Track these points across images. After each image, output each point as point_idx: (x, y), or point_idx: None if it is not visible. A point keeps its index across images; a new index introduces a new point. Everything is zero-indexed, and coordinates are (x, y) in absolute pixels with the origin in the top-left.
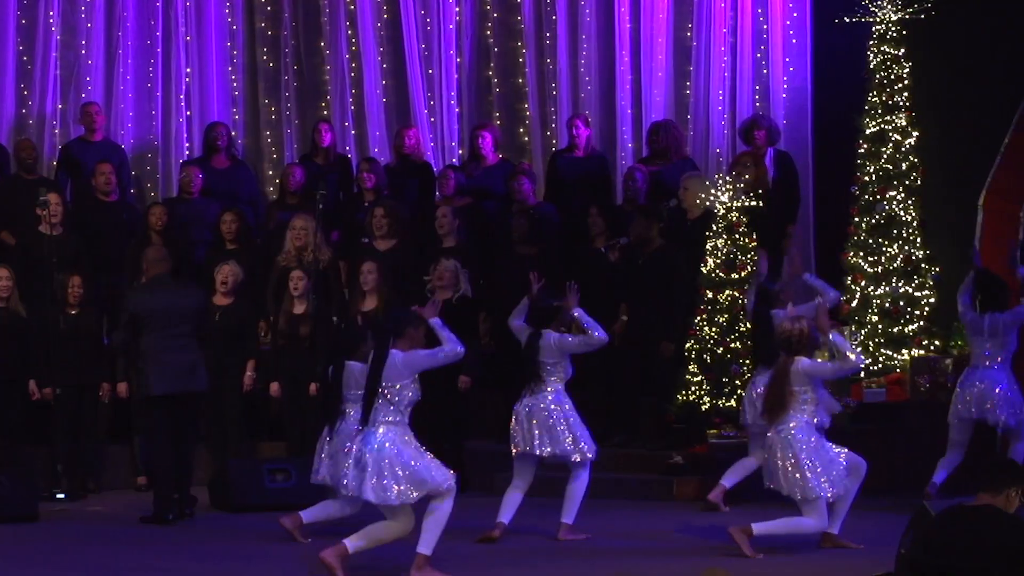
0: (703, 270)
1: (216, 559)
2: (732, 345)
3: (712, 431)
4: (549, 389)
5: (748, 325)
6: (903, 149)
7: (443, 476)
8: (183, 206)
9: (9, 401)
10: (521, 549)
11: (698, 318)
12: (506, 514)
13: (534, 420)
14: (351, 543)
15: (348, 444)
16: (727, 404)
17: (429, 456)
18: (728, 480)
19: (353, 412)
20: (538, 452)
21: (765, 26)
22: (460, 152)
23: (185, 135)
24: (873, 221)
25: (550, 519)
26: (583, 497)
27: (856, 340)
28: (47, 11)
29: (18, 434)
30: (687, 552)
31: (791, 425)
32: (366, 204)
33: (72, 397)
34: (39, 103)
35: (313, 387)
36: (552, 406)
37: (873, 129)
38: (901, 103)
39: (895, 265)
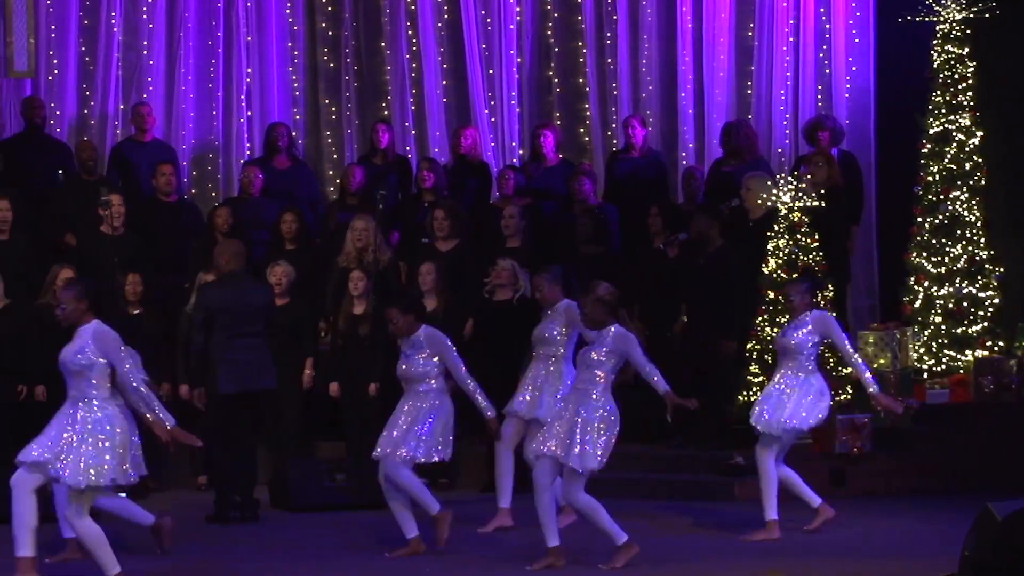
0: (764, 270)
1: (277, 559)
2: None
3: None
4: None
5: None
6: (967, 149)
7: None
8: (243, 206)
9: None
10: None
11: (759, 318)
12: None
13: None
14: None
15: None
16: None
17: None
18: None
19: None
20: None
21: (828, 25)
22: (520, 152)
23: (246, 135)
24: (936, 221)
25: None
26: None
27: (919, 341)
28: (109, 12)
29: None
30: (748, 554)
31: None
32: (425, 204)
33: None
34: (100, 103)
35: (373, 387)
36: None
37: (937, 129)
38: (965, 103)
39: (959, 266)
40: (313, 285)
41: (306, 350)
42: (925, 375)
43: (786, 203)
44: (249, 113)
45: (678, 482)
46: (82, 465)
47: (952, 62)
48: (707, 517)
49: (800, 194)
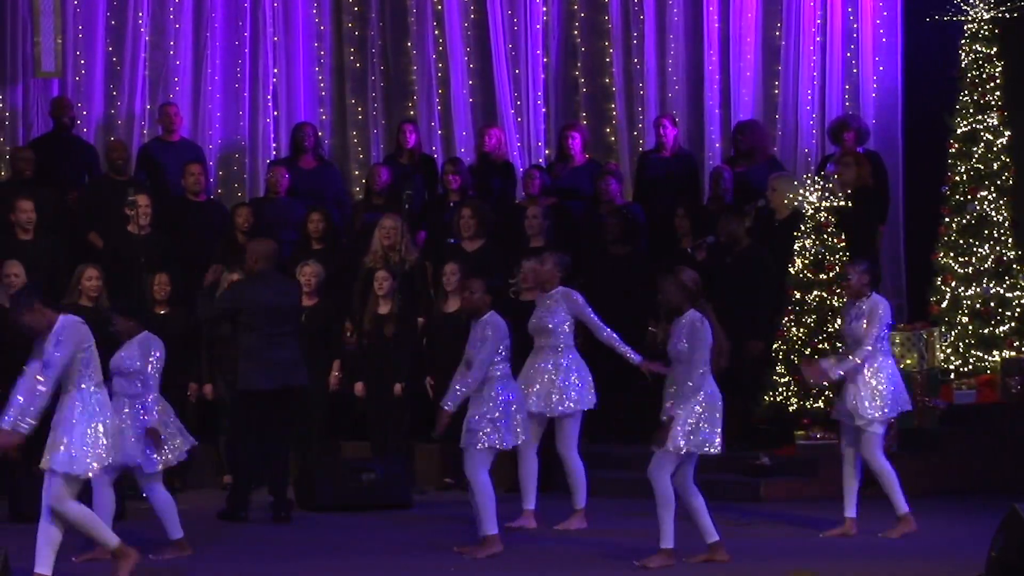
0: (791, 271)
1: (301, 559)
2: (820, 346)
3: (800, 432)
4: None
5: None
6: (995, 149)
7: None
8: (270, 206)
9: None
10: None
11: (786, 319)
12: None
13: None
14: None
15: None
16: (815, 406)
17: None
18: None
19: None
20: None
21: (855, 25)
22: (547, 152)
23: (272, 135)
24: (964, 221)
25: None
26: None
27: (946, 341)
28: (136, 12)
29: None
30: (774, 555)
31: None
32: (451, 204)
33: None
34: (127, 103)
35: (398, 387)
36: None
37: (964, 129)
38: (993, 102)
39: (986, 266)
40: (340, 285)
41: (333, 351)
42: (952, 375)
43: (813, 203)
44: (276, 113)
45: (704, 482)
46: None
47: (980, 62)
48: (732, 517)
49: (827, 194)
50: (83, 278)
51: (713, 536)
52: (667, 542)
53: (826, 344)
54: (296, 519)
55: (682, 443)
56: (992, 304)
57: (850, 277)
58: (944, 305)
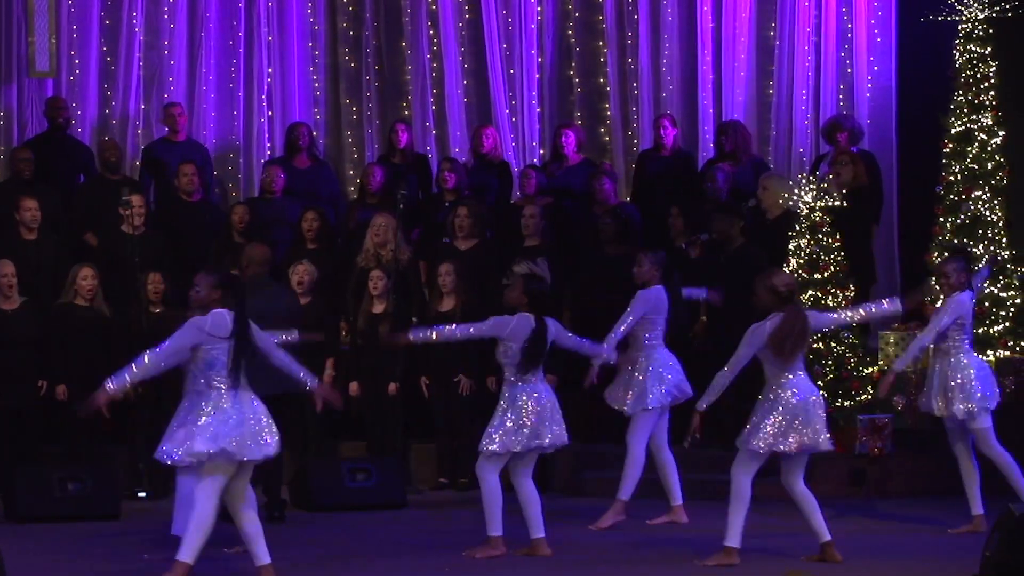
0: (785, 270)
1: (296, 558)
2: (815, 346)
3: None
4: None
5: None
6: (989, 148)
7: None
8: (265, 206)
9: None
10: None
11: None
12: None
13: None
14: None
15: None
16: None
17: None
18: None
19: None
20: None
21: (849, 25)
22: (541, 152)
23: (267, 135)
24: (958, 221)
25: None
26: None
27: None
28: (130, 12)
29: (100, 433)
30: (770, 555)
31: None
32: (446, 204)
33: (154, 396)
34: (122, 103)
35: (392, 387)
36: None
37: (959, 128)
38: (987, 102)
39: (980, 266)
40: (334, 285)
41: (328, 350)
42: None
43: (808, 203)
44: (270, 113)
45: (700, 481)
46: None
47: (974, 61)
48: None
49: (823, 194)
50: (78, 277)
51: (825, 536)
52: (732, 540)
53: (820, 344)
54: (290, 519)
55: (761, 445)
56: (986, 304)
57: (950, 276)
58: (938, 305)
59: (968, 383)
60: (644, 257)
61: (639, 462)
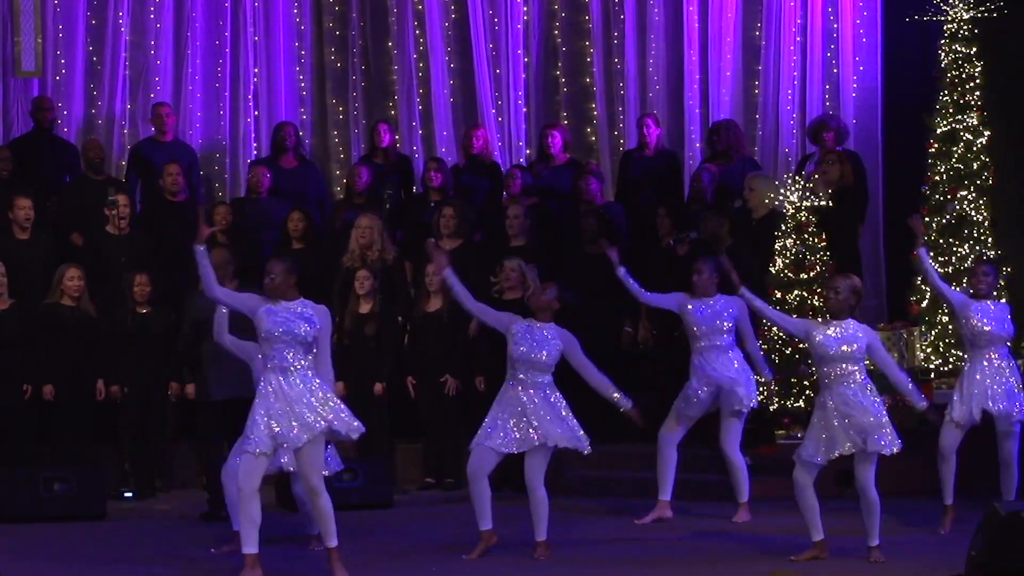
0: (772, 270)
1: (277, 559)
2: (801, 346)
3: (780, 432)
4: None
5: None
6: (974, 149)
7: None
8: (251, 206)
9: (79, 400)
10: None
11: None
12: None
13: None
14: None
15: None
16: (795, 405)
17: None
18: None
19: None
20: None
21: (835, 25)
22: (527, 152)
23: (253, 135)
24: (944, 221)
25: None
26: None
27: (926, 340)
28: (116, 12)
29: (86, 433)
30: (757, 554)
31: None
32: (432, 204)
33: (140, 396)
34: (108, 103)
35: (379, 387)
36: None
37: (944, 128)
38: (972, 102)
39: (966, 265)
40: (321, 285)
41: None
42: (932, 375)
43: (793, 203)
44: (256, 113)
45: (688, 481)
46: None
47: (960, 61)
48: (716, 516)
49: (809, 194)
50: (65, 278)
51: (875, 540)
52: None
53: (806, 344)
54: (275, 519)
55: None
56: None
57: (988, 277)
58: (924, 305)
59: (997, 389)
60: (703, 265)
61: (741, 466)
